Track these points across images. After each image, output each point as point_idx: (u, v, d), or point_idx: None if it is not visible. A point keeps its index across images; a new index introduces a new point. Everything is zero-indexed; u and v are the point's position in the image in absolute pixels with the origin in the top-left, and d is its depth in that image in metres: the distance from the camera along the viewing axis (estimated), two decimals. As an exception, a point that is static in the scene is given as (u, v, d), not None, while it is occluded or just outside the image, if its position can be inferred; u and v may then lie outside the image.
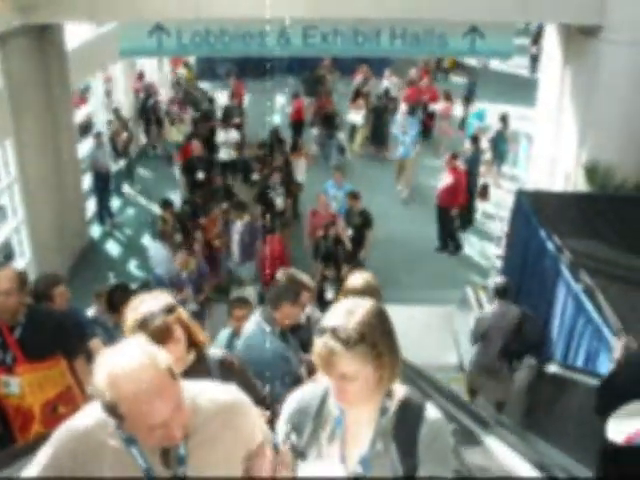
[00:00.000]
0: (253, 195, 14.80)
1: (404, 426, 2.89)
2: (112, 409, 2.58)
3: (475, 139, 16.70)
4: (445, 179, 14.92)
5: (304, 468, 2.90)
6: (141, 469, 2.77)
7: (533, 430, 8.54)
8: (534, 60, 27.32)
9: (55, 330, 5.96)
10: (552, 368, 8.46)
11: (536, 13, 12.79)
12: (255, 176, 15.90)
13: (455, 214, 15.10)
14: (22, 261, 13.83)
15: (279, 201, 14.20)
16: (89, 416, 2.85)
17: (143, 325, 3.73)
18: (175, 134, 19.14)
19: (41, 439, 3.27)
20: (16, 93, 12.84)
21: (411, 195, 17.55)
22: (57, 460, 2.80)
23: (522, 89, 22.73)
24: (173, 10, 12.44)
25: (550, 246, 9.44)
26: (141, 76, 22.23)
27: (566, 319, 8.75)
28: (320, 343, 2.77)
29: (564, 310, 8.84)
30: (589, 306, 8.02)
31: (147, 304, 3.90)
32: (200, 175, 15.65)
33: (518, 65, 27.57)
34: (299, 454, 2.99)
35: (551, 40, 14.59)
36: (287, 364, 5.96)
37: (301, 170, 16.75)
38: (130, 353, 2.68)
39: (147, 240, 15.76)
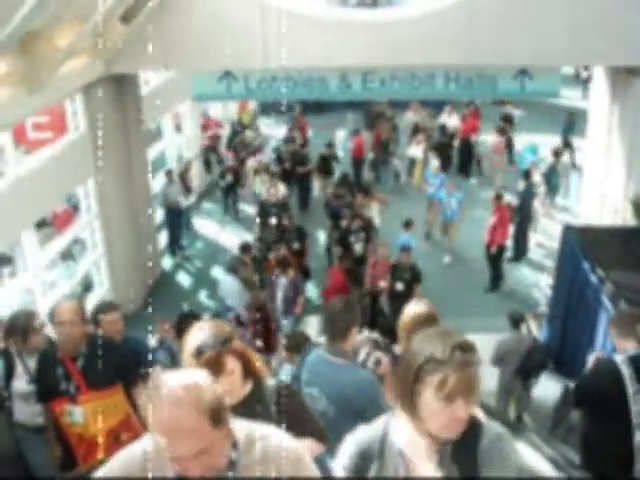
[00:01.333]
0: (333, 239, 15.50)
1: (462, 447, 2.88)
2: (149, 424, 2.65)
3: (527, 174, 17.38)
4: (492, 219, 15.60)
5: None
6: None
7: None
8: (585, 84, 27.79)
9: (115, 359, 6.02)
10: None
11: (583, 57, 13.51)
12: (344, 223, 15.66)
13: (500, 250, 15.70)
14: (100, 291, 14.93)
15: (358, 247, 14.51)
16: (147, 444, 2.88)
17: (197, 355, 3.76)
18: (258, 185, 19.24)
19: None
20: (97, 136, 13.93)
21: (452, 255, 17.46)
22: (128, 468, 2.88)
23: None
24: (242, 59, 13.34)
25: (593, 278, 10.10)
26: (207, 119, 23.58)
27: (607, 345, 9.41)
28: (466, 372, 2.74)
29: (605, 337, 9.50)
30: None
31: (203, 333, 3.90)
32: (273, 220, 16.06)
33: (569, 96, 27.73)
34: None
35: (599, 78, 15.29)
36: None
37: (375, 214, 16.95)
38: (178, 383, 2.69)
39: (216, 272, 16.81)
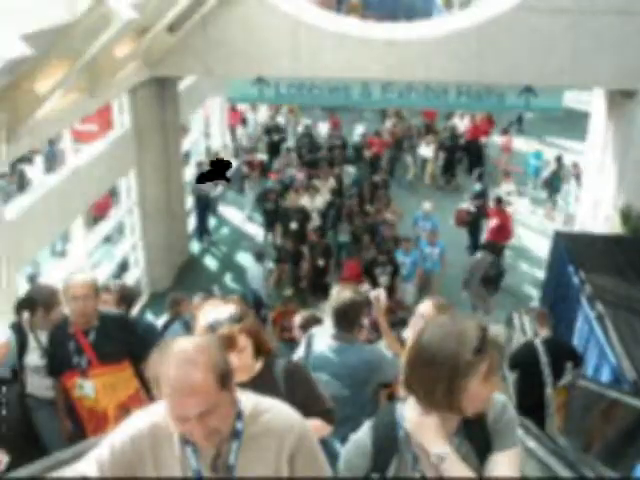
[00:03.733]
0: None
1: (473, 423, 2.91)
2: (157, 382, 2.67)
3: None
4: (492, 221, 16.90)
5: None
6: (191, 469, 2.82)
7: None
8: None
9: (126, 333, 6.13)
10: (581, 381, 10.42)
11: (582, 79, 14.59)
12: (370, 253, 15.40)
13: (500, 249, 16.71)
14: (136, 272, 16.39)
15: (384, 279, 14.37)
16: (157, 411, 2.90)
17: (210, 331, 3.83)
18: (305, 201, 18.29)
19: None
20: (139, 132, 15.46)
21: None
22: (136, 437, 2.88)
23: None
24: (274, 67, 14.81)
25: (575, 279, 11.55)
26: (233, 109, 25.01)
27: (583, 340, 10.87)
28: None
29: (581, 332, 10.97)
30: (598, 331, 10.15)
31: (217, 311, 3.99)
32: (293, 225, 16.68)
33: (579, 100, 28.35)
34: None
35: (597, 96, 16.60)
36: None
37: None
38: (191, 343, 2.74)
39: (240, 257, 18.26)
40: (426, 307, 6.03)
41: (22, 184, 16.99)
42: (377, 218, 17.03)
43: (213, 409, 2.63)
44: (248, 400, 2.90)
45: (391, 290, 14.05)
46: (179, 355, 2.64)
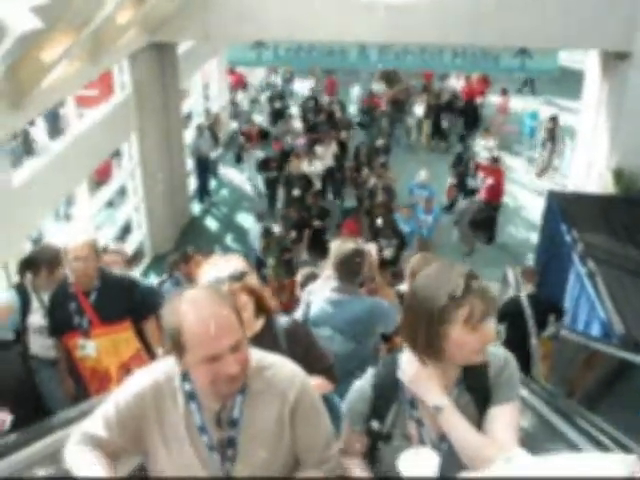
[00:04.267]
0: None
1: (474, 374, 2.91)
2: (175, 337, 2.65)
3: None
4: (487, 180, 17.20)
5: (405, 459, 2.79)
6: (196, 426, 2.84)
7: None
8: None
9: (127, 293, 6.15)
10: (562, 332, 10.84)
11: (577, 41, 14.72)
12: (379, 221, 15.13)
13: (495, 208, 17.33)
14: (139, 234, 16.71)
15: (388, 252, 14.20)
16: (160, 367, 2.95)
17: None
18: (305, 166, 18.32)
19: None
20: (140, 96, 15.67)
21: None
22: (140, 393, 2.88)
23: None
24: (271, 31, 15.00)
25: (568, 238, 11.87)
26: (232, 71, 25.14)
27: (574, 296, 11.23)
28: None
29: (573, 289, 11.33)
30: (589, 287, 10.51)
31: (217, 269, 3.94)
32: (296, 192, 16.93)
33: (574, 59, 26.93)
34: (384, 438, 2.98)
35: (591, 57, 16.77)
36: None
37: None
38: (202, 289, 2.86)
39: (240, 217, 18.66)
40: (415, 260, 6.25)
41: (27, 146, 17.23)
42: (376, 184, 17.00)
43: (241, 342, 2.68)
44: (252, 356, 2.86)
45: (394, 263, 14.09)
46: (201, 298, 2.69)
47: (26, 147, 17.10)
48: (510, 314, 9.78)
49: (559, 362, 9.78)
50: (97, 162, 14.52)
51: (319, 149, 18.86)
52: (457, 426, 2.81)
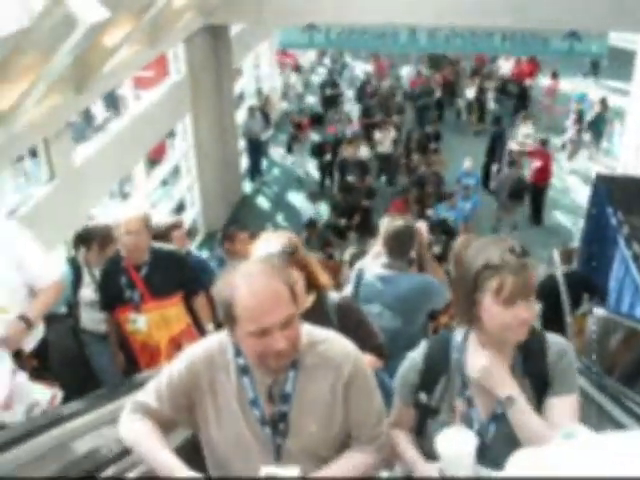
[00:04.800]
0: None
1: (532, 358, 2.89)
2: (227, 309, 2.65)
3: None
4: (535, 162, 17.31)
5: (444, 436, 2.76)
6: (248, 399, 2.85)
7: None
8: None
9: (178, 268, 6.12)
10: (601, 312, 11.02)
11: (628, 23, 14.75)
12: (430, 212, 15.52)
13: (542, 189, 17.51)
14: (192, 212, 17.16)
15: (436, 249, 13.53)
16: (213, 340, 2.97)
17: None
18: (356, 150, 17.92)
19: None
20: (194, 77, 16.07)
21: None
22: (193, 366, 2.89)
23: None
24: (324, 14, 15.24)
25: (613, 221, 12.01)
26: (283, 52, 25.42)
27: (619, 278, 11.40)
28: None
29: (618, 271, 11.49)
30: (634, 269, 10.68)
31: (268, 244, 3.96)
32: (350, 178, 16.80)
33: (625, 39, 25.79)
34: (432, 411, 2.98)
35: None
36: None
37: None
38: (257, 262, 2.86)
39: (290, 197, 18.96)
40: (459, 241, 6.26)
41: (89, 122, 17.75)
42: (426, 171, 17.14)
43: (292, 318, 2.66)
44: (303, 331, 2.84)
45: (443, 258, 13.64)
46: (253, 273, 2.67)
47: (87, 126, 17.57)
48: (546, 292, 9.88)
49: (592, 338, 9.98)
50: (154, 142, 14.94)
51: (377, 134, 18.92)
52: (529, 419, 2.78)
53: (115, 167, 12.61)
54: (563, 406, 2.84)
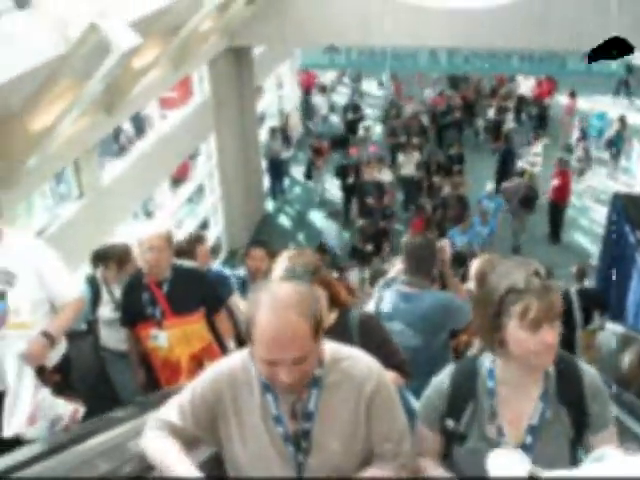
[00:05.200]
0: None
1: (568, 386, 2.86)
2: (248, 326, 2.63)
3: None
4: (554, 180, 17.44)
5: (495, 459, 2.66)
6: (271, 416, 2.84)
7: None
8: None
9: (199, 285, 6.06)
10: (619, 328, 11.16)
11: None
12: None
13: (562, 208, 17.60)
14: (215, 230, 17.44)
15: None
16: (237, 357, 2.96)
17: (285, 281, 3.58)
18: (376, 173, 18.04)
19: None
20: (218, 98, 16.40)
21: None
22: (217, 383, 2.90)
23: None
24: (345, 36, 15.55)
25: (632, 239, 12.17)
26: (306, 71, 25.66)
27: (637, 295, 11.55)
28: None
29: (636, 289, 11.64)
30: (652, 286, 10.86)
31: (292, 261, 3.96)
32: (370, 200, 16.85)
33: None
34: (459, 438, 2.95)
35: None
36: None
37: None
38: (288, 288, 2.73)
39: (313, 215, 19.18)
40: (480, 260, 6.12)
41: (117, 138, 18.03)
42: (450, 194, 17.00)
43: (305, 357, 2.60)
44: (327, 347, 2.85)
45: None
46: (278, 299, 2.61)
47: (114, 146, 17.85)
48: None
49: (604, 353, 10.23)
50: (178, 161, 15.26)
51: (401, 157, 19.03)
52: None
53: (140, 186, 12.91)
54: (605, 440, 2.83)
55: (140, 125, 17.06)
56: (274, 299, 2.61)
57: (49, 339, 4.45)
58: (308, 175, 20.40)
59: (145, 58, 10.23)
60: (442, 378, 3.06)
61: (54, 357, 4.74)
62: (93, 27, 7.34)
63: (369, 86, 27.33)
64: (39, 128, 8.07)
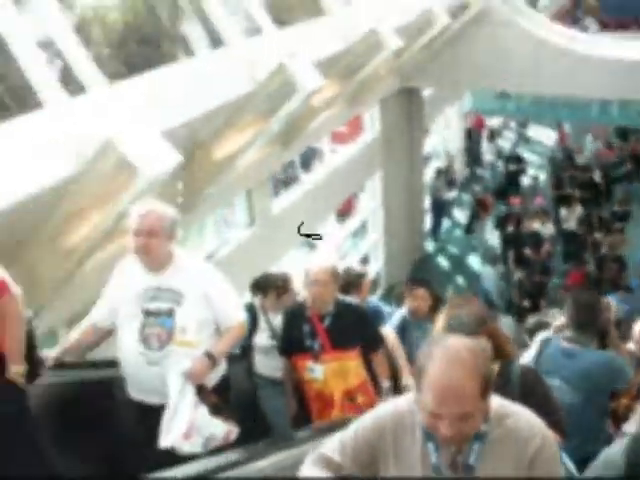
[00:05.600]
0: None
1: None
2: (419, 373, 2.66)
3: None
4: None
5: None
6: (431, 465, 2.83)
7: None
8: None
9: (360, 322, 6.03)
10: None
11: None
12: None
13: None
14: (375, 266, 17.76)
15: None
16: (403, 402, 2.96)
17: (449, 332, 3.69)
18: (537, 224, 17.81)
19: (344, 421, 3.52)
20: (387, 137, 16.80)
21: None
22: (381, 422, 2.93)
23: None
24: (516, 83, 15.73)
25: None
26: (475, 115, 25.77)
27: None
28: None
29: None
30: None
31: (461, 311, 3.96)
32: (527, 251, 16.59)
33: None
34: None
35: None
36: None
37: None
38: (465, 344, 2.72)
39: (471, 259, 19.19)
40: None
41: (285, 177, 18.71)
42: (607, 254, 16.36)
43: (471, 413, 2.61)
44: (494, 403, 2.82)
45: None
46: (451, 353, 2.63)
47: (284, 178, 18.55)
48: None
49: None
50: (345, 196, 15.78)
51: (563, 212, 18.62)
52: None
53: (308, 218, 13.32)
54: None
55: (307, 158, 17.70)
56: (447, 354, 2.63)
57: (212, 360, 4.68)
58: (468, 230, 20.33)
59: (324, 97, 10.71)
60: (614, 455, 2.99)
61: (214, 378, 4.90)
62: (281, 67, 7.85)
63: (536, 132, 27.07)
64: (222, 159, 8.63)
